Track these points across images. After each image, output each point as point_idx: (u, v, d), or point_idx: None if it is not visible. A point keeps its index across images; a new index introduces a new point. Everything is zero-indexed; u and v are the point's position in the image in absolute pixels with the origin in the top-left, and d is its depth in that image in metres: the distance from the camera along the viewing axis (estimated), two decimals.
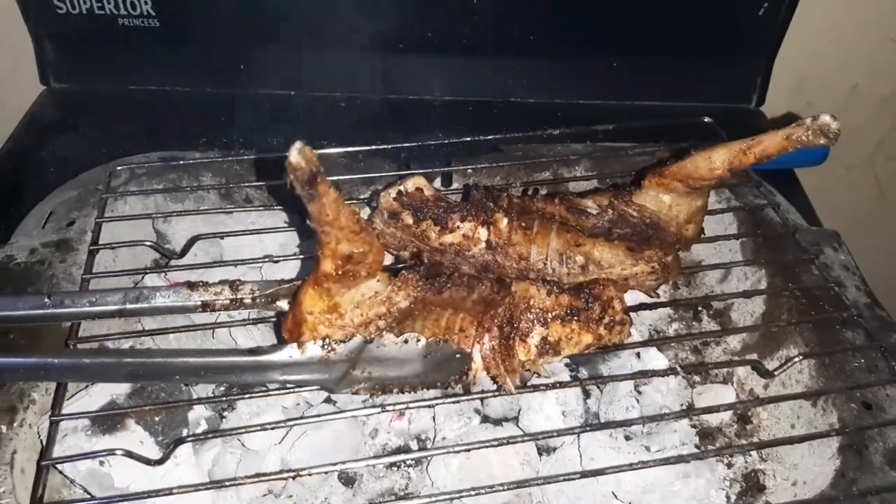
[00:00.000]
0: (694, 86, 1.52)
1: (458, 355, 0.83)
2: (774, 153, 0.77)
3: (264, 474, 0.78)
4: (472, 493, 0.77)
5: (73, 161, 1.25)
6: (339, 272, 0.74)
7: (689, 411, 0.89)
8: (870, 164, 1.92)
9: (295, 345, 0.77)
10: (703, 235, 1.04)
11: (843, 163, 1.89)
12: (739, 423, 1.01)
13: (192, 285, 0.84)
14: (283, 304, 0.86)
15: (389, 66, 1.49)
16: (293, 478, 0.79)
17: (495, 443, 0.82)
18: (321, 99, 1.50)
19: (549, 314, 0.86)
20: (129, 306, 0.82)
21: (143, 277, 1.06)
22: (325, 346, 0.77)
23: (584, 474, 0.78)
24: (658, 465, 0.80)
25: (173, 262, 1.03)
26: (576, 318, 0.87)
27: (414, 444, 0.97)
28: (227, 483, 0.79)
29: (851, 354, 0.95)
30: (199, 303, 0.84)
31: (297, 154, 0.62)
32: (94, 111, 1.48)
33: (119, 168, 1.14)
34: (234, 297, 0.84)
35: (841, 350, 0.94)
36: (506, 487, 0.77)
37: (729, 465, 0.97)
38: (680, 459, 0.81)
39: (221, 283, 0.85)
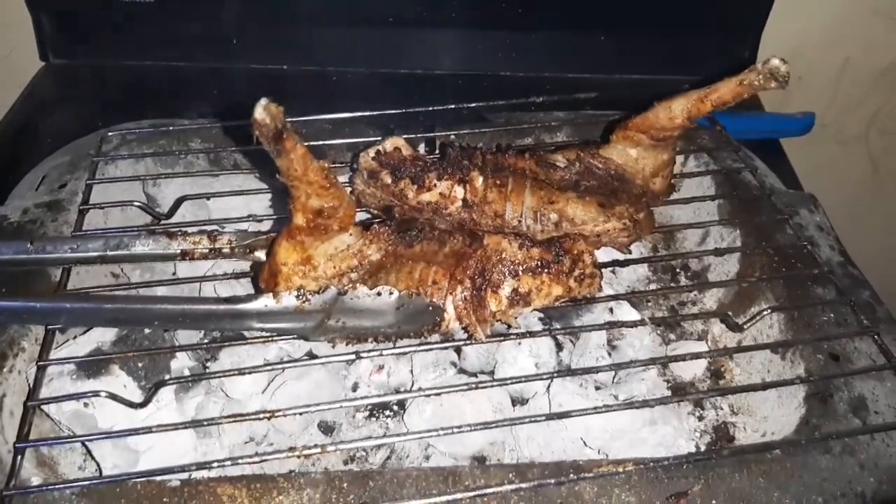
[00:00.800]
0: (682, 59, 1.54)
1: (430, 308, 0.85)
2: (730, 99, 0.79)
3: (241, 415, 0.81)
4: (441, 433, 0.80)
5: (70, 132, 1.28)
6: (311, 225, 0.77)
7: (656, 359, 0.91)
8: (863, 139, 1.93)
9: (271, 294, 0.80)
10: (679, 195, 1.06)
11: (835, 139, 1.90)
12: (712, 379, 1.03)
13: (171, 234, 0.87)
14: (261, 255, 0.89)
15: (379, 41, 1.52)
16: (269, 418, 0.81)
17: (465, 387, 0.84)
18: (312, 73, 1.53)
19: (521, 266, 0.89)
20: (110, 253, 0.85)
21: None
22: (300, 297, 0.80)
23: (550, 416, 0.81)
24: (622, 408, 0.82)
25: (162, 223, 1.06)
26: (546, 270, 0.89)
27: (393, 398, 1.00)
28: (206, 422, 0.83)
29: (821, 309, 0.96)
30: (179, 251, 0.87)
31: (262, 111, 0.63)
32: (91, 85, 1.52)
33: (111, 134, 1.17)
34: (212, 246, 0.87)
35: (810, 304, 0.96)
36: (472, 428, 0.80)
37: (700, 418, 0.98)
38: (644, 404, 0.83)
39: (200, 232, 0.88)
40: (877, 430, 0.83)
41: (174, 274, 1.09)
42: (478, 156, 0.96)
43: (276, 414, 0.80)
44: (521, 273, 0.89)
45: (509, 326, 0.90)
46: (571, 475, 0.77)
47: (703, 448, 0.94)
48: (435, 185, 0.97)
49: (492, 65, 1.55)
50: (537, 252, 0.90)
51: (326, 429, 0.96)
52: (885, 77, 1.80)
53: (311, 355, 1.01)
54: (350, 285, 0.83)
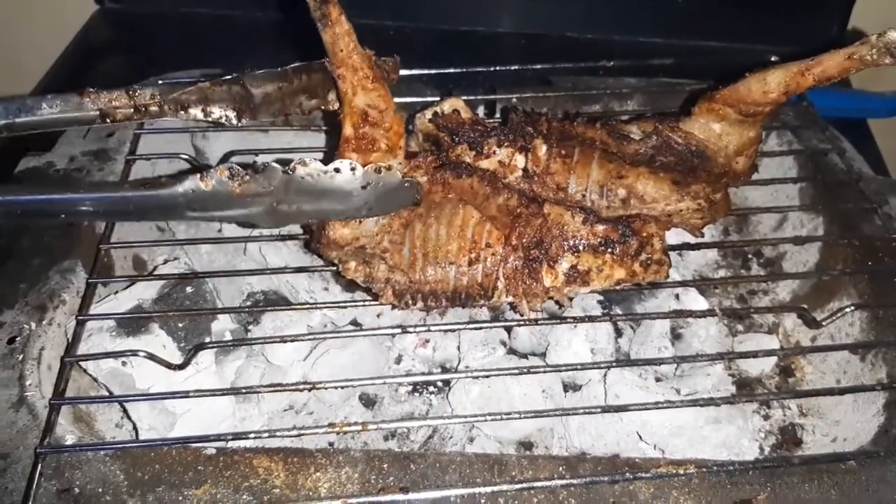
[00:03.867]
0: (763, 26, 1.43)
1: (405, 184, 0.76)
2: (835, 74, 0.70)
3: (281, 385, 0.78)
4: (488, 418, 0.75)
5: (123, 78, 1.23)
6: (359, 134, 0.73)
7: (725, 354, 0.84)
8: None
9: (197, 176, 0.69)
10: (757, 176, 0.97)
11: None
12: (781, 376, 0.96)
13: (81, 92, 0.80)
14: (197, 112, 0.85)
15: None
16: (309, 390, 0.78)
17: (515, 371, 0.79)
18: (369, 27, 1.46)
19: (582, 242, 0.83)
20: (16, 121, 0.76)
21: None
22: (235, 177, 0.68)
23: (606, 409, 0.76)
24: (686, 405, 0.76)
25: None
26: (610, 250, 0.83)
27: (438, 378, 0.95)
28: (244, 390, 0.79)
29: None
30: (97, 112, 0.80)
31: None
32: (144, 32, 1.49)
33: (161, 83, 1.13)
34: (132, 103, 0.81)
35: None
36: (522, 416, 0.75)
37: (766, 417, 0.92)
38: (709, 402, 0.77)
39: (117, 89, 0.82)
40: None
41: (220, 231, 1.06)
42: (542, 122, 0.89)
43: (318, 386, 0.77)
44: (582, 250, 0.83)
45: (560, 306, 0.84)
46: (627, 473, 0.72)
47: (767, 450, 0.88)
48: (494, 153, 0.90)
49: (557, 25, 1.46)
50: (602, 229, 0.83)
51: (368, 402, 0.92)
52: None
53: (356, 324, 0.97)
54: (391, 217, 0.79)
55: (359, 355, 0.91)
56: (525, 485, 0.70)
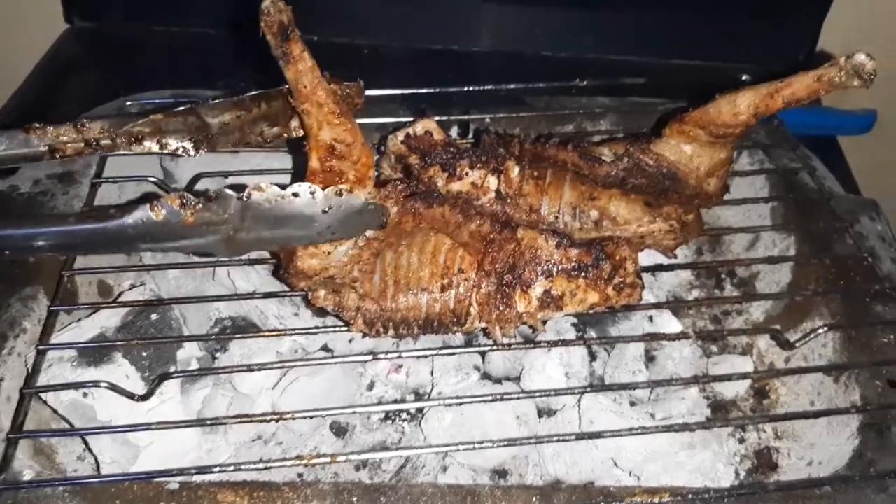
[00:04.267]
0: (734, 45, 1.44)
1: (369, 206, 0.73)
2: (805, 96, 0.71)
3: (247, 415, 0.76)
4: (461, 447, 0.74)
5: (91, 98, 1.22)
6: (326, 167, 0.72)
7: (699, 378, 0.83)
8: None
9: (147, 206, 0.66)
10: (729, 195, 0.97)
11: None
12: (756, 398, 0.96)
13: (26, 128, 0.79)
14: (152, 144, 0.83)
15: (413, 14, 1.44)
16: (277, 420, 0.76)
17: (489, 397, 0.78)
18: (343, 46, 1.45)
19: (556, 267, 0.82)
20: None
21: None
22: (186, 205, 0.65)
23: (580, 436, 0.74)
24: (660, 431, 0.75)
25: None
26: (583, 274, 0.82)
27: (411, 399, 0.94)
28: (209, 421, 0.78)
29: (881, 329, 0.88)
30: (45, 148, 0.78)
31: (269, 1, 0.62)
32: (114, 50, 1.47)
33: (129, 103, 1.11)
34: (81, 137, 0.79)
35: (869, 324, 0.88)
36: (495, 444, 0.74)
37: (741, 441, 0.91)
38: (684, 427, 0.76)
39: (64, 124, 0.81)
40: None
41: (188, 256, 1.03)
42: (515, 144, 0.89)
43: (285, 416, 0.75)
44: (555, 274, 0.82)
45: (534, 331, 0.83)
46: (602, 502, 0.70)
47: (742, 475, 0.87)
48: (467, 174, 0.90)
49: (532, 44, 1.46)
50: (576, 253, 0.83)
51: (339, 430, 0.91)
52: None
53: (327, 350, 0.96)
54: (360, 249, 0.77)
55: (330, 382, 0.90)
56: None
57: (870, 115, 1.35)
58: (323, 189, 0.73)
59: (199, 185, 1.03)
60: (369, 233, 0.76)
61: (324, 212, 0.70)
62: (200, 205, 0.65)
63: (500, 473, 0.87)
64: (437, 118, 0.96)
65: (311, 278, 0.78)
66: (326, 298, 0.81)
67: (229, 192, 0.66)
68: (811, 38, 1.42)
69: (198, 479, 0.74)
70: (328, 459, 0.72)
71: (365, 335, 0.82)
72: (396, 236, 0.79)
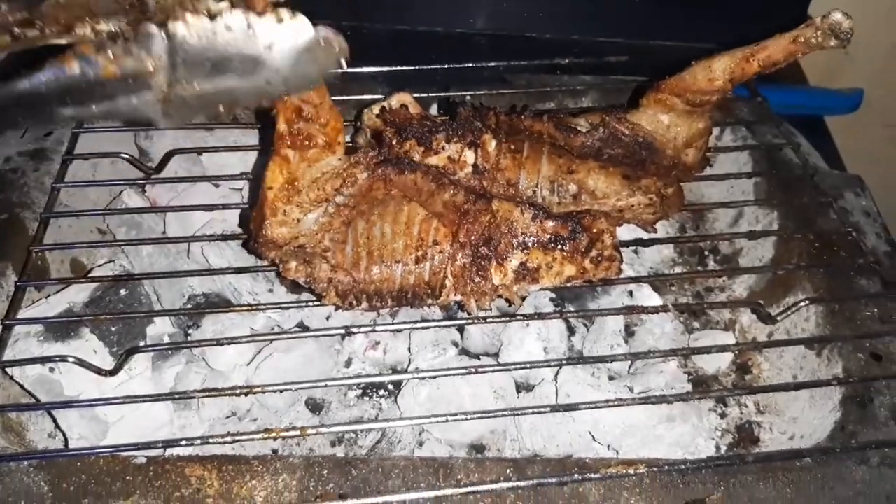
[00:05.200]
0: (721, 27, 1.42)
1: (321, 38, 0.61)
2: (781, 59, 0.69)
3: (215, 389, 0.74)
4: (434, 420, 0.73)
5: None
6: (293, 130, 0.70)
7: (678, 350, 0.82)
8: None
9: (60, 59, 0.58)
10: (712, 171, 0.96)
11: (884, 121, 1.77)
12: (738, 373, 0.94)
13: None
14: (85, 31, 0.61)
15: None
16: (246, 394, 0.75)
17: (463, 371, 0.77)
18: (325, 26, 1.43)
19: (532, 239, 0.80)
20: None
21: (121, 193, 1.02)
22: (101, 51, 0.57)
23: (555, 408, 0.73)
24: (636, 403, 0.74)
25: (152, 177, 0.99)
26: (560, 246, 0.81)
27: (384, 379, 0.92)
28: (177, 396, 0.76)
29: (864, 303, 0.87)
30: None
31: None
32: None
33: None
34: None
35: (852, 297, 0.87)
36: (468, 416, 0.72)
37: (722, 416, 0.90)
38: (661, 399, 0.75)
39: None
40: None
41: (163, 232, 1.02)
42: (491, 117, 0.87)
43: (255, 390, 0.74)
44: (531, 247, 0.80)
45: (510, 304, 0.82)
46: (576, 474, 0.69)
47: (723, 449, 0.86)
48: (443, 148, 0.88)
49: (517, 25, 1.44)
50: (552, 226, 0.81)
51: (315, 406, 0.89)
52: None
53: (303, 327, 0.94)
54: (331, 216, 0.74)
55: (305, 359, 0.88)
56: (470, 488, 0.68)
57: (857, 94, 1.34)
58: (296, 157, 0.72)
59: (172, 164, 1.01)
60: (339, 199, 0.74)
61: (267, 48, 0.59)
62: (119, 48, 0.56)
63: (478, 448, 0.86)
64: (417, 95, 0.95)
65: (282, 247, 0.77)
66: (298, 270, 0.79)
67: (151, 26, 0.57)
68: (795, 23, 1.40)
69: (166, 453, 0.72)
70: (297, 433, 0.70)
71: (338, 307, 0.81)
72: (368, 204, 0.78)
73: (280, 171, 0.74)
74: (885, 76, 1.69)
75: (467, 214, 0.80)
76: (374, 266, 0.80)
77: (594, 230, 0.82)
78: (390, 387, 0.91)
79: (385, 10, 1.43)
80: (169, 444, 0.70)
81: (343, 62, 0.62)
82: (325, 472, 0.70)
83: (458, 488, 0.67)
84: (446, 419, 0.72)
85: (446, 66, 1.13)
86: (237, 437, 0.70)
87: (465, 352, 0.92)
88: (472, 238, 0.80)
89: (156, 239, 0.95)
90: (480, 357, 0.91)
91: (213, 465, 0.70)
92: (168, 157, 0.99)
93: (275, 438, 0.73)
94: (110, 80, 0.57)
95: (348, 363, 0.93)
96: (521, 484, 0.68)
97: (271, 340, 0.85)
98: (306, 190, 0.74)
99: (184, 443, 0.69)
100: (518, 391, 0.88)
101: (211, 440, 0.70)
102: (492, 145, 0.87)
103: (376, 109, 0.91)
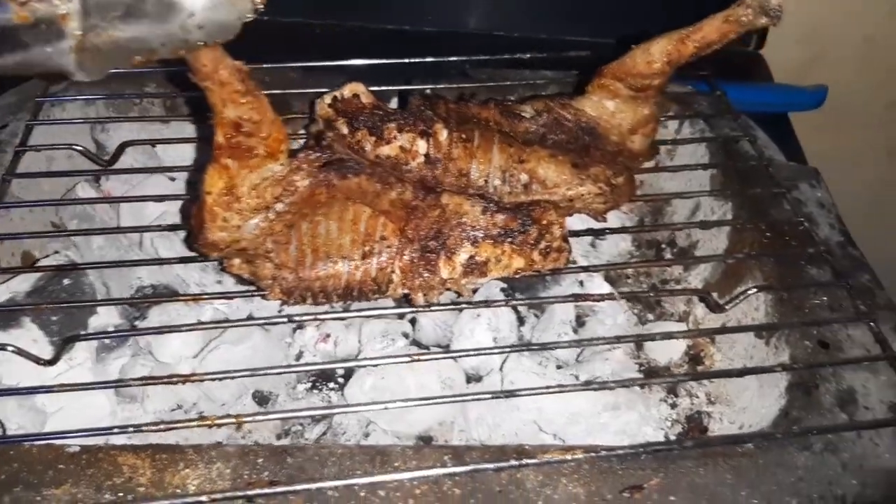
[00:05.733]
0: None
1: None
2: (716, 39, 0.69)
3: (154, 377, 0.74)
4: (372, 407, 0.72)
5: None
6: (232, 143, 0.69)
7: (622, 337, 0.82)
8: (880, 125, 1.80)
9: None
10: (670, 163, 0.96)
11: (851, 122, 1.77)
12: (690, 364, 0.94)
13: None
14: None
15: None
16: (184, 382, 0.74)
17: (406, 358, 0.76)
18: (287, 25, 1.43)
19: (482, 233, 0.80)
20: None
21: (74, 186, 1.02)
22: None
23: (496, 395, 0.72)
24: (577, 389, 0.73)
25: (108, 170, 0.99)
26: (510, 239, 0.80)
27: (340, 368, 0.92)
28: (112, 383, 0.75)
29: (813, 291, 0.87)
30: None
31: None
32: None
33: None
34: None
35: (801, 285, 0.87)
36: (406, 404, 0.72)
37: (673, 406, 0.90)
38: (603, 386, 0.74)
39: None
40: (864, 427, 0.73)
41: (118, 227, 1.01)
42: (441, 106, 0.87)
43: (193, 378, 0.73)
44: (481, 240, 0.80)
45: (459, 295, 0.81)
46: (512, 460, 0.68)
47: (672, 438, 0.85)
48: (395, 138, 0.88)
49: (482, 22, 1.45)
50: (502, 219, 0.81)
51: (262, 399, 0.88)
52: None
53: (252, 318, 0.93)
54: (272, 222, 0.74)
55: (253, 351, 0.87)
56: (406, 475, 0.67)
57: (820, 91, 1.34)
58: (236, 166, 0.71)
59: (127, 157, 1.01)
60: (279, 206, 0.74)
61: None
62: None
63: (425, 439, 0.85)
64: (377, 89, 0.95)
65: (223, 250, 0.76)
66: (241, 267, 0.79)
67: None
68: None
69: (100, 441, 0.72)
70: (233, 420, 0.69)
71: (284, 303, 0.80)
72: (311, 207, 0.77)
73: (219, 176, 0.72)
74: (852, 77, 1.70)
75: (416, 210, 0.80)
76: (320, 263, 0.79)
77: (544, 222, 0.82)
78: (341, 380, 0.90)
79: (355, 8, 1.44)
80: (100, 432, 0.69)
81: (259, 5, 0.61)
82: (260, 460, 0.70)
83: (394, 474, 0.66)
84: (385, 406, 0.71)
85: (407, 61, 1.13)
86: (171, 426, 0.69)
87: (416, 343, 0.92)
88: (421, 233, 0.80)
89: (104, 229, 0.94)
90: (430, 348, 0.90)
91: (146, 455, 0.69)
92: (122, 148, 0.99)
93: (210, 426, 0.72)
94: (23, 27, 0.55)
95: (299, 356, 0.93)
96: (457, 470, 0.67)
97: (217, 328, 0.85)
98: (246, 197, 0.73)
99: (116, 430, 0.68)
100: (468, 381, 0.88)
101: (144, 428, 0.69)
102: (443, 135, 0.87)
103: (328, 99, 0.90)
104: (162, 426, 0.70)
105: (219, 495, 0.65)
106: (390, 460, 0.70)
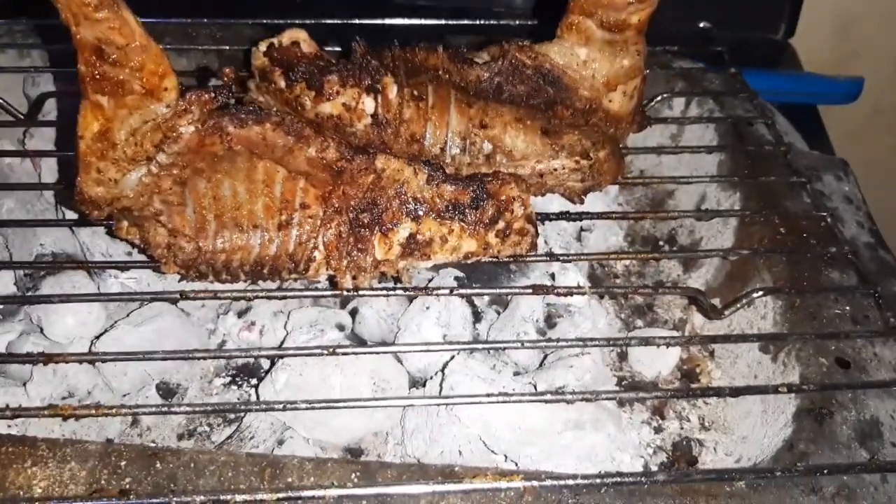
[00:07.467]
0: (710, 7, 1.28)
1: None
2: None
3: (10, 354, 0.61)
4: (281, 406, 0.58)
5: None
6: (97, 75, 0.56)
7: (587, 340, 0.66)
8: None
9: None
10: (673, 145, 0.81)
11: (889, 123, 1.60)
12: (683, 381, 0.79)
13: None
14: None
15: None
16: (45, 363, 0.61)
17: (319, 351, 0.62)
18: None
19: (425, 206, 0.66)
20: None
21: None
22: None
23: (427, 401, 0.58)
24: (527, 400, 0.59)
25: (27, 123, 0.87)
26: (459, 216, 0.66)
27: (265, 361, 0.78)
28: None
29: (833, 298, 0.71)
30: None
31: None
32: None
33: None
34: None
35: (817, 291, 0.71)
36: (310, 406, 0.57)
37: (658, 430, 0.74)
38: (559, 397, 0.59)
39: None
40: (890, 470, 0.58)
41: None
42: (387, 56, 0.74)
43: (55, 358, 0.60)
44: (423, 215, 0.66)
45: (397, 282, 0.68)
46: (433, 484, 0.54)
47: (654, 469, 0.70)
48: (337, 93, 0.74)
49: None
50: (450, 190, 0.67)
51: (168, 392, 0.75)
52: None
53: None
54: (159, 177, 0.61)
55: (158, 334, 0.74)
56: (292, 493, 0.53)
57: (856, 83, 1.19)
58: (110, 104, 0.58)
59: (53, 109, 0.89)
60: (163, 158, 0.60)
61: None
62: None
63: (354, 452, 0.71)
64: (330, 49, 0.81)
65: (103, 209, 0.63)
66: (129, 231, 0.66)
67: None
68: (788, 21, 1.27)
69: None
70: (92, 411, 0.56)
71: (182, 278, 0.67)
72: (206, 162, 0.63)
73: (93, 117, 0.60)
74: (892, 74, 1.54)
75: (344, 174, 0.66)
76: (225, 232, 0.65)
77: (503, 197, 0.68)
78: (265, 375, 0.77)
79: None
80: None
81: None
82: (122, 462, 0.56)
83: (274, 493, 0.52)
84: (285, 406, 0.57)
85: (380, 22, 1.00)
86: (18, 413, 0.56)
87: (355, 337, 0.78)
88: (351, 203, 0.66)
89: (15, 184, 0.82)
90: (368, 344, 0.76)
91: None
92: (41, 99, 0.87)
93: (65, 418, 0.59)
94: None
95: (222, 345, 0.79)
96: (361, 492, 0.53)
97: (113, 300, 0.72)
98: (122, 144, 0.60)
99: None
100: (414, 386, 0.73)
101: None
102: (393, 91, 0.73)
103: (263, 47, 0.77)
104: (8, 412, 0.56)
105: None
106: (282, 474, 0.56)
